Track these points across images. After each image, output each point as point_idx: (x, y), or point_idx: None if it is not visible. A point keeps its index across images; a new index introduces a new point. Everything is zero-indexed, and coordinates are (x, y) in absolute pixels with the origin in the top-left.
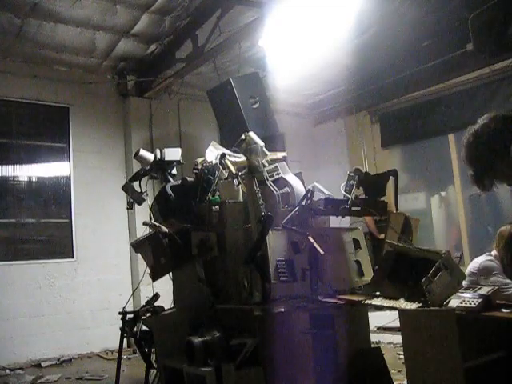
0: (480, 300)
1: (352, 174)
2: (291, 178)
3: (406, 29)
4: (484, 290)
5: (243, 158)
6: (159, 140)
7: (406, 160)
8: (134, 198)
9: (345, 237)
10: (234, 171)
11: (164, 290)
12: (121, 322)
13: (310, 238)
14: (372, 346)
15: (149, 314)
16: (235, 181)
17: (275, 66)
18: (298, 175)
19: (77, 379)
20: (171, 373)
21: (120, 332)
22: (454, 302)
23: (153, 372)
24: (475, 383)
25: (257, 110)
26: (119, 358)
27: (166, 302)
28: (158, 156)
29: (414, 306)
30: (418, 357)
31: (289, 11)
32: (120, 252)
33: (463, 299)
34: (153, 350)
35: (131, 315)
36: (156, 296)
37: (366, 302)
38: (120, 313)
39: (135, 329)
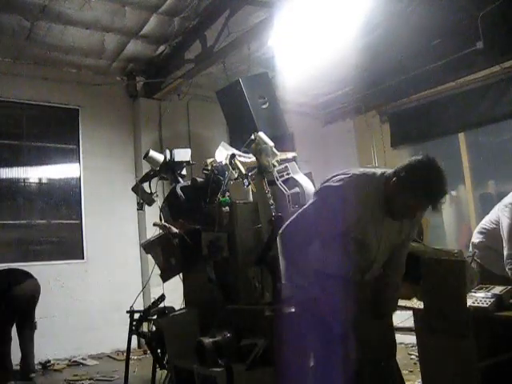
0: (492, 300)
1: None
2: (301, 177)
3: (415, 27)
4: (497, 290)
5: (253, 159)
6: (169, 141)
7: None
8: (144, 199)
9: None
10: (243, 171)
11: (174, 291)
12: None
13: None
14: None
15: (157, 315)
16: (245, 181)
17: (284, 65)
18: (308, 175)
19: (88, 380)
20: (182, 373)
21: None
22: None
23: (163, 372)
24: (490, 383)
25: (266, 110)
26: (127, 356)
27: (177, 302)
28: (168, 157)
29: None
30: (433, 356)
31: (297, 11)
32: (130, 253)
33: (475, 299)
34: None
35: (140, 314)
36: (162, 297)
37: None
38: (128, 311)
39: (142, 328)
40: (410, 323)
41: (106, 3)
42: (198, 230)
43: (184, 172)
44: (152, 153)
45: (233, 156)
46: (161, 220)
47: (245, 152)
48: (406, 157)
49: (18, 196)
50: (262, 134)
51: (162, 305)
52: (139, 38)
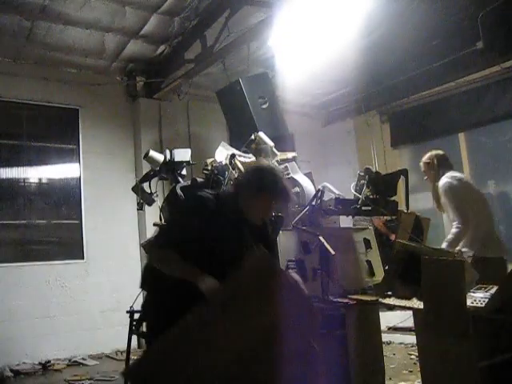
0: None
1: (362, 174)
2: (301, 177)
3: (415, 27)
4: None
5: (253, 159)
6: (169, 141)
7: (416, 159)
8: (144, 199)
9: (355, 237)
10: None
11: None
12: None
13: (321, 238)
14: (383, 346)
15: None
16: None
17: (284, 66)
18: (308, 175)
19: (88, 380)
20: None
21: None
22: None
23: None
24: (490, 383)
25: (266, 110)
26: (127, 356)
27: None
28: (168, 157)
29: None
30: (433, 356)
31: (297, 11)
32: (130, 253)
33: (474, 299)
34: None
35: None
36: None
37: (378, 301)
38: (128, 311)
39: (142, 328)
40: (410, 323)
41: (105, 3)
42: None
43: (184, 172)
44: (152, 153)
45: (233, 156)
46: (161, 220)
47: (245, 152)
48: (406, 157)
49: (18, 196)
50: (262, 134)
51: None
52: (139, 38)
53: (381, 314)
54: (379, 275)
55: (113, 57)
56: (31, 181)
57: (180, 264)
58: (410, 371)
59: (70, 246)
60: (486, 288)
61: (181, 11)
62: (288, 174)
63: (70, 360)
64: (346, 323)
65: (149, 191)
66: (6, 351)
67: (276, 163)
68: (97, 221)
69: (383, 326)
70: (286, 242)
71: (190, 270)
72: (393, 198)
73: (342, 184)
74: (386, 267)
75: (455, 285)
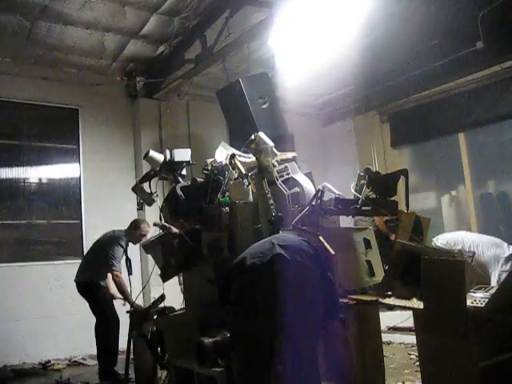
0: None
1: (362, 174)
2: (301, 177)
3: (415, 27)
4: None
5: (253, 159)
6: (169, 141)
7: (416, 159)
8: (144, 199)
9: (355, 237)
10: (243, 171)
11: (174, 291)
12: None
13: (321, 238)
14: (383, 346)
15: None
16: (245, 181)
17: (284, 66)
18: (308, 175)
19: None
20: (182, 373)
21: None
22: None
23: (163, 372)
24: (490, 382)
25: (266, 110)
26: (127, 356)
27: (177, 302)
28: (168, 157)
29: None
30: (433, 356)
31: (297, 11)
32: (130, 253)
33: (474, 299)
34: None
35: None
36: (162, 297)
37: (378, 301)
38: (128, 311)
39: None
40: (410, 323)
41: (106, 3)
42: (198, 229)
43: (184, 172)
44: (152, 153)
45: (233, 156)
46: (161, 220)
47: (245, 152)
48: (406, 157)
49: (18, 196)
50: (262, 134)
51: (162, 305)
52: (139, 38)
53: (381, 314)
54: (379, 275)
55: (113, 57)
56: (31, 181)
57: None
58: (413, 371)
59: (70, 246)
60: (485, 288)
61: (181, 11)
62: (288, 173)
63: (69, 360)
64: (347, 323)
65: (149, 191)
66: (6, 351)
67: (276, 163)
68: (97, 220)
69: (383, 326)
70: None
71: None
72: (393, 198)
73: (342, 184)
74: (386, 267)
75: (455, 285)
